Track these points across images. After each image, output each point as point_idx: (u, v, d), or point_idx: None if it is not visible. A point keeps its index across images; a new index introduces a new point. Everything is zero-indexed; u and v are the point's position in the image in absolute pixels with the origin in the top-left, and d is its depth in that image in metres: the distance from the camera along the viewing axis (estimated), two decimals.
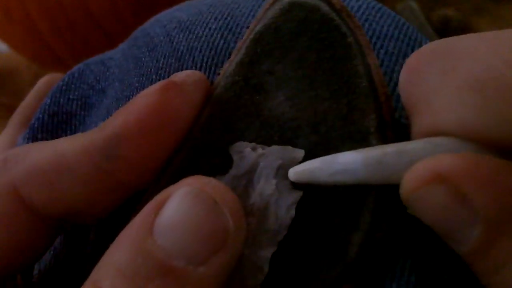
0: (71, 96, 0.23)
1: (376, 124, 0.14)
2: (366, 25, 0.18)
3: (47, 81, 0.29)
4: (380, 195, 0.14)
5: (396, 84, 0.17)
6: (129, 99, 0.19)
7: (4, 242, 0.15)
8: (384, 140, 0.14)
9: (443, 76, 0.12)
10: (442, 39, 0.13)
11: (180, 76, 0.15)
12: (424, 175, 0.11)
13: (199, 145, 0.15)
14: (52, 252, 0.19)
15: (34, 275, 0.19)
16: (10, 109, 0.29)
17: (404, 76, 0.13)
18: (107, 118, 0.16)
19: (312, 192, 0.14)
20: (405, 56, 0.18)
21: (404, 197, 0.12)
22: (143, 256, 0.12)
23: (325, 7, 0.15)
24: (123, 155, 0.14)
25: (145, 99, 0.14)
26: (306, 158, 0.14)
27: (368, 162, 0.13)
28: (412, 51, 0.18)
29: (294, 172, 0.14)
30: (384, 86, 0.15)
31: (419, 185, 0.11)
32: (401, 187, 0.12)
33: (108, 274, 0.12)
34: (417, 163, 0.12)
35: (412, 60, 0.13)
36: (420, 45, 0.18)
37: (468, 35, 0.12)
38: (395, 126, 0.15)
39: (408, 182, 0.12)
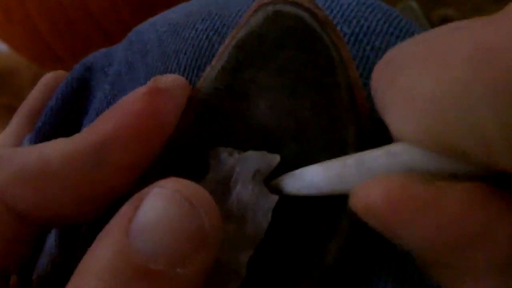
0: (79, 105, 0.23)
1: (354, 136, 0.14)
2: (354, 22, 0.18)
3: (53, 78, 0.29)
4: None
5: None
6: None
7: None
8: (360, 134, 0.15)
9: (388, 87, 0.11)
10: (398, 45, 0.12)
11: (167, 80, 0.15)
12: (358, 205, 0.11)
13: (179, 149, 0.15)
14: (49, 257, 0.19)
15: (33, 280, 0.19)
16: (10, 109, 0.29)
17: (371, 83, 0.13)
18: None
19: (289, 198, 0.14)
20: None
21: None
22: (122, 260, 0.11)
23: (309, 18, 0.15)
24: (111, 161, 0.14)
25: (133, 104, 0.14)
26: (287, 167, 0.14)
27: (329, 175, 0.13)
28: None
29: (269, 186, 0.15)
30: (364, 98, 0.15)
31: (357, 210, 0.12)
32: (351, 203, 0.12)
33: (88, 278, 0.12)
34: (355, 189, 0.12)
35: (375, 66, 0.13)
36: (411, 36, 0.18)
37: (416, 39, 0.12)
38: (375, 135, 0.15)
39: (352, 207, 0.12)
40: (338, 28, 0.18)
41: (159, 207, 0.12)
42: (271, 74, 0.15)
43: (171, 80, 0.15)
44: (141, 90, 0.15)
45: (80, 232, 0.18)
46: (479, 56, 0.09)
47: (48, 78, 0.28)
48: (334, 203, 0.14)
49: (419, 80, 0.10)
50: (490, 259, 0.10)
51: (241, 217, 0.14)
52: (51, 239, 0.19)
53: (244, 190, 0.14)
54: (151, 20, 0.23)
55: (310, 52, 0.15)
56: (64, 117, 0.22)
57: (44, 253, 0.19)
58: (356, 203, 0.12)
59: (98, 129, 0.14)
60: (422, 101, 0.10)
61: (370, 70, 0.16)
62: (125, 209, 0.12)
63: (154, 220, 0.12)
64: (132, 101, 0.14)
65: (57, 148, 0.14)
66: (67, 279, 0.12)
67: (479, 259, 0.10)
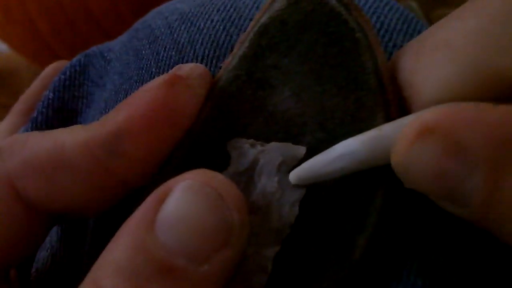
0: (76, 93, 0.22)
1: (383, 121, 0.14)
2: (374, 17, 0.18)
3: (54, 69, 0.29)
4: (387, 194, 0.14)
5: None
6: (128, 93, 0.18)
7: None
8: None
9: (417, 53, 0.12)
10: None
11: (185, 69, 0.15)
12: (411, 133, 0.11)
13: (199, 141, 0.15)
14: (49, 251, 0.19)
15: (31, 273, 0.19)
16: (10, 109, 0.29)
17: (392, 64, 0.13)
18: (105, 111, 0.15)
19: (316, 190, 0.14)
20: None
21: (395, 164, 0.12)
22: (143, 255, 0.11)
23: (333, 1, 0.15)
24: (126, 152, 0.14)
25: (150, 93, 0.14)
26: (311, 155, 0.14)
27: (365, 140, 0.13)
28: None
29: (295, 174, 0.14)
30: (393, 84, 0.14)
31: (408, 145, 0.11)
32: (391, 155, 0.12)
33: (108, 273, 0.11)
34: (409, 119, 0.11)
35: (398, 51, 0.13)
36: None
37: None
38: None
39: (398, 146, 0.11)
40: None
41: (187, 200, 0.12)
42: (295, 59, 0.15)
43: (190, 68, 0.15)
44: (160, 78, 0.14)
45: (84, 227, 0.18)
46: None
47: (46, 73, 0.28)
48: (362, 197, 0.14)
49: (461, 27, 0.11)
50: None
51: (267, 210, 0.14)
52: (52, 233, 0.19)
53: (269, 183, 0.14)
54: (157, 9, 0.22)
55: (335, 36, 0.15)
56: (59, 106, 0.22)
57: (43, 246, 0.19)
58: (408, 133, 0.11)
59: (114, 119, 0.14)
60: (460, 42, 0.11)
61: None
62: (150, 201, 0.12)
63: (182, 214, 0.11)
64: (149, 89, 0.14)
65: (72, 136, 0.14)
66: (67, 273, 0.12)
67: None
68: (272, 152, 0.14)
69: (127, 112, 0.14)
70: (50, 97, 0.22)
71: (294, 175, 0.14)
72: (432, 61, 0.12)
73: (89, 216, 0.15)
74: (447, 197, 0.11)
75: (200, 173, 0.12)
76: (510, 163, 0.10)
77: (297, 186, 0.14)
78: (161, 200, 0.12)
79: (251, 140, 0.15)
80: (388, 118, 0.14)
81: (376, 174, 0.14)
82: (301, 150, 0.14)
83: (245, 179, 0.14)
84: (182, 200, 0.12)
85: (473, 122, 0.10)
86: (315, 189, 0.14)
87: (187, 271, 0.11)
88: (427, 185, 0.11)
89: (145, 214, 0.12)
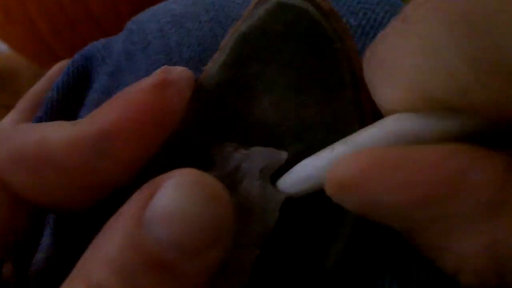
0: (77, 95, 0.22)
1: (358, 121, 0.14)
2: (361, 14, 0.18)
3: (60, 68, 0.28)
4: None
5: None
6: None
7: None
8: None
9: (372, 59, 0.12)
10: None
11: (175, 72, 0.15)
12: (333, 186, 0.12)
13: (183, 144, 0.15)
14: (44, 253, 0.19)
15: (29, 275, 0.19)
16: (10, 109, 0.29)
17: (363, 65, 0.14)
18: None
19: (294, 198, 0.14)
20: None
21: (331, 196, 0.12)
22: (133, 249, 0.11)
23: (313, 10, 0.15)
24: (114, 153, 0.14)
25: (141, 95, 0.14)
26: (290, 165, 0.14)
27: (317, 164, 0.13)
28: None
29: (282, 185, 0.14)
30: (369, 94, 0.15)
31: (332, 193, 0.12)
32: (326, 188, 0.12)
33: (99, 267, 0.11)
34: (328, 170, 0.12)
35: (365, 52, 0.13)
36: None
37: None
38: None
39: (327, 190, 0.12)
40: (344, 20, 0.17)
41: (177, 196, 0.12)
42: (275, 69, 0.15)
43: (179, 72, 0.15)
44: (149, 80, 0.14)
45: (75, 229, 0.18)
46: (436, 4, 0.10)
47: (55, 69, 0.28)
48: (337, 207, 0.14)
49: (394, 46, 0.11)
50: (473, 204, 0.10)
51: (249, 214, 0.14)
52: (46, 235, 0.19)
53: (251, 186, 0.14)
54: (152, 9, 0.22)
55: (314, 47, 0.15)
56: (62, 108, 0.22)
57: (40, 248, 0.19)
58: (330, 182, 0.12)
59: (102, 117, 0.14)
60: (400, 63, 0.11)
61: None
62: (138, 196, 0.12)
63: (171, 209, 0.11)
64: (139, 91, 0.14)
65: (59, 132, 0.14)
66: (62, 275, 0.12)
67: (462, 206, 0.10)
68: (255, 156, 0.14)
69: (116, 112, 0.14)
70: (55, 98, 0.22)
71: (283, 187, 0.14)
72: (375, 79, 0.12)
73: (75, 212, 0.15)
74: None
75: (189, 171, 0.12)
76: (424, 223, 0.11)
77: (277, 190, 0.14)
78: (150, 196, 0.12)
79: (235, 144, 0.15)
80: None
81: None
82: (283, 155, 0.14)
83: (228, 183, 0.14)
84: (174, 196, 0.12)
85: (380, 185, 0.11)
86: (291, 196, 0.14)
87: (179, 265, 0.11)
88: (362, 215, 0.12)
89: (135, 209, 0.12)
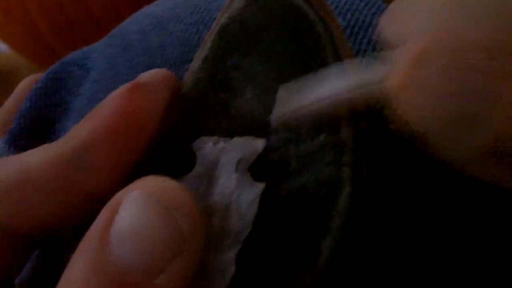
0: (50, 102, 0.22)
1: (348, 115, 0.13)
2: (349, 15, 0.18)
3: (28, 83, 0.29)
4: (355, 195, 0.13)
5: None
6: None
7: None
8: (357, 130, 0.14)
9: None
10: None
11: (146, 75, 0.15)
12: (412, 51, 0.11)
13: (167, 145, 0.15)
14: (32, 262, 0.18)
15: (15, 284, 0.18)
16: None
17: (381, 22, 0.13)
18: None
19: (277, 187, 0.14)
20: None
21: (393, 88, 0.11)
22: (98, 275, 0.11)
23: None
24: (93, 165, 0.14)
25: (110, 104, 0.14)
26: (275, 155, 0.14)
27: (350, 82, 0.12)
28: None
29: (277, 117, 0.13)
30: None
31: (410, 64, 0.11)
32: (389, 79, 0.12)
33: None
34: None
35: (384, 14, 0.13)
36: None
37: None
38: (371, 116, 0.14)
39: (397, 68, 0.11)
40: None
41: (135, 213, 0.11)
42: (256, 59, 0.15)
43: (152, 74, 0.15)
44: (120, 88, 0.14)
45: (60, 237, 0.18)
46: None
47: (21, 87, 0.28)
48: (325, 198, 0.13)
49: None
50: None
51: (225, 211, 0.13)
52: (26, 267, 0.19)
53: (228, 182, 0.14)
54: (134, 14, 0.22)
55: (295, 32, 0.14)
56: (35, 115, 0.22)
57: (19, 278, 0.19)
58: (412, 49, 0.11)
59: (77, 133, 0.14)
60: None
61: None
62: (102, 215, 0.12)
63: (129, 228, 0.11)
64: (110, 100, 0.14)
65: (38, 156, 0.14)
66: (49, 284, 0.12)
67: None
68: (232, 149, 0.14)
69: (90, 125, 0.14)
70: (27, 106, 0.22)
71: (273, 118, 0.14)
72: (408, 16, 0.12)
73: (65, 233, 0.15)
74: (458, 120, 0.11)
75: (147, 182, 0.12)
76: None
77: (255, 181, 0.14)
78: (114, 213, 0.12)
79: (215, 138, 0.14)
80: (352, 110, 0.14)
81: (340, 172, 0.13)
82: (260, 143, 0.14)
83: (207, 180, 0.14)
84: (131, 212, 0.11)
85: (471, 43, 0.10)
86: (277, 188, 0.14)
87: (144, 285, 0.11)
88: (430, 109, 0.11)
89: (99, 230, 0.11)
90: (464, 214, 0.14)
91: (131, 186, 0.12)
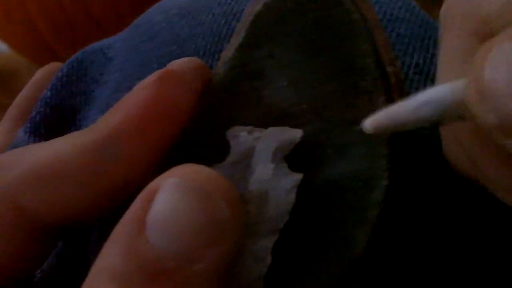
0: (73, 90, 0.22)
1: (385, 107, 0.13)
2: (376, 7, 0.18)
3: (46, 72, 0.28)
4: (390, 186, 0.13)
5: (409, 68, 0.17)
6: (129, 90, 0.19)
7: (1, 252, 0.14)
8: None
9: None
10: None
11: (177, 63, 0.14)
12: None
13: (199, 134, 0.15)
14: (54, 252, 0.19)
15: (35, 275, 0.19)
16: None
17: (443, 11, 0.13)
18: (107, 109, 0.15)
19: (312, 177, 0.14)
20: (418, 37, 0.17)
21: (467, 100, 0.10)
22: (135, 260, 0.11)
23: None
24: (124, 154, 0.13)
25: (142, 92, 0.14)
26: (310, 146, 0.14)
27: (453, 87, 0.11)
28: (425, 32, 0.17)
29: (373, 122, 0.12)
30: (395, 66, 0.14)
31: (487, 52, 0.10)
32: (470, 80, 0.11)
33: (103, 281, 0.11)
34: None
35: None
36: (432, 27, 0.18)
37: None
38: None
39: (476, 62, 0.10)
40: None
41: (174, 200, 0.11)
42: (290, 48, 0.14)
43: (182, 62, 0.15)
44: (152, 76, 0.14)
45: (87, 228, 0.18)
46: None
47: (39, 75, 0.28)
48: (362, 188, 0.13)
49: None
50: None
51: (263, 199, 0.13)
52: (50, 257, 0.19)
53: (265, 170, 0.14)
54: (157, 4, 0.22)
55: (331, 19, 0.14)
56: (57, 104, 0.22)
57: (42, 269, 0.19)
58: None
59: (107, 121, 0.14)
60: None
61: (398, 58, 0.15)
62: (138, 202, 0.12)
63: (170, 214, 0.11)
64: (140, 88, 0.14)
65: (69, 143, 0.14)
66: (71, 274, 0.12)
67: None
68: (268, 138, 0.14)
69: (121, 113, 0.14)
70: (48, 95, 0.22)
71: (371, 123, 0.12)
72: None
73: (94, 223, 0.15)
74: None
75: (185, 169, 0.12)
76: None
77: (293, 171, 0.14)
78: (150, 200, 0.11)
79: (249, 127, 0.14)
80: (391, 102, 0.13)
81: (376, 164, 0.13)
82: (298, 133, 0.14)
83: (242, 168, 0.14)
84: (169, 199, 0.11)
85: None
86: (312, 175, 0.14)
87: (181, 272, 0.11)
88: None
89: (135, 216, 0.11)
90: (475, 221, 0.14)
91: (167, 173, 0.12)
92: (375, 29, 0.14)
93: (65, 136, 0.14)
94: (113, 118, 0.14)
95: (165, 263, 0.11)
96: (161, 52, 0.19)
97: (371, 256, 0.13)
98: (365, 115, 0.13)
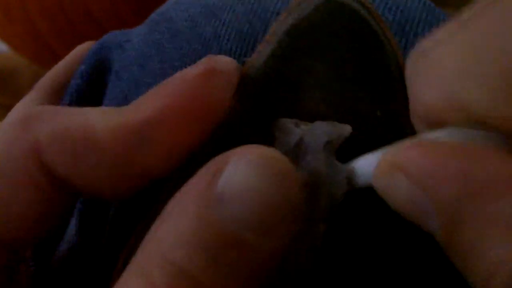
0: (100, 86, 0.22)
1: (412, 128, 0.14)
2: (394, 8, 0.18)
3: (81, 52, 0.28)
4: None
5: None
6: (150, 86, 0.18)
7: (22, 206, 0.14)
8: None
9: (421, 60, 0.12)
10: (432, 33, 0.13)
11: (222, 62, 0.15)
12: (385, 164, 0.11)
13: (232, 134, 0.15)
14: (67, 244, 0.19)
15: (50, 266, 0.19)
16: (10, 109, 0.29)
17: (408, 57, 0.13)
18: (125, 103, 0.15)
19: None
20: None
21: (375, 187, 0.12)
22: (210, 228, 0.11)
23: (362, 10, 0.15)
24: (157, 141, 0.13)
25: (187, 83, 0.14)
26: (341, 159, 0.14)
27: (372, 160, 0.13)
28: None
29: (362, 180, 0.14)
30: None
31: (382, 175, 0.12)
32: (373, 177, 0.12)
33: (173, 246, 0.11)
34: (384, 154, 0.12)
35: (412, 51, 0.13)
36: None
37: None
38: None
39: (376, 171, 0.12)
40: (380, 14, 0.17)
41: (248, 173, 0.11)
42: (326, 64, 0.15)
43: (227, 62, 0.15)
44: (196, 69, 0.14)
45: (102, 220, 0.18)
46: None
47: (76, 52, 0.27)
48: None
49: (447, 54, 0.11)
50: None
51: (315, 188, 0.14)
52: (71, 227, 0.19)
53: (316, 160, 0.14)
54: (174, 1, 0.22)
55: (365, 45, 0.15)
56: (86, 97, 0.22)
57: (63, 241, 0.19)
58: (383, 163, 0.11)
59: (147, 105, 0.14)
60: (447, 69, 0.11)
61: None
62: (204, 173, 0.12)
63: (242, 187, 0.11)
64: (185, 80, 0.14)
65: (104, 117, 0.14)
66: (85, 266, 0.12)
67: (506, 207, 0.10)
68: (318, 130, 0.14)
69: (161, 100, 0.14)
70: (82, 87, 0.22)
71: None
72: (418, 80, 0.12)
73: (110, 200, 0.15)
74: (420, 226, 0.12)
75: (257, 147, 0.12)
76: (467, 217, 0.10)
77: (342, 164, 0.14)
78: (217, 173, 0.11)
79: (295, 120, 0.14)
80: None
81: None
82: (347, 128, 0.14)
83: (291, 158, 0.14)
84: (245, 172, 0.11)
85: (436, 171, 0.11)
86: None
87: (256, 243, 0.11)
88: (400, 211, 0.12)
89: (203, 186, 0.11)
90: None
91: (236, 151, 0.12)
92: (400, 59, 0.15)
93: (100, 109, 0.14)
94: (152, 103, 0.14)
95: (242, 233, 0.11)
96: (184, 51, 0.19)
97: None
98: (397, 135, 0.13)
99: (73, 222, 0.19)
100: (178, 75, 0.14)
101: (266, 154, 0.12)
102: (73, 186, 0.14)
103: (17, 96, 0.29)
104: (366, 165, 0.13)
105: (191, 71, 0.14)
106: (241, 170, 0.11)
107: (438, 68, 0.12)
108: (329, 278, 0.14)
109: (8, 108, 0.28)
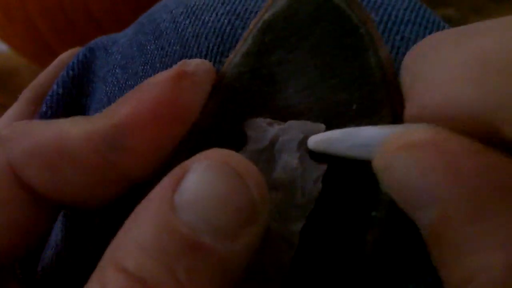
0: (84, 90, 0.22)
1: (391, 118, 0.14)
2: (381, 10, 0.18)
3: (62, 61, 0.28)
4: None
5: None
6: (133, 88, 0.19)
7: (3, 225, 0.14)
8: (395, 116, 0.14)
9: (446, 52, 0.12)
10: (432, 34, 0.13)
11: (191, 65, 0.15)
12: (397, 142, 0.11)
13: (206, 135, 0.15)
14: (53, 250, 0.19)
15: (38, 272, 0.19)
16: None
17: (406, 57, 0.13)
18: (109, 106, 0.15)
19: (336, 170, 0.14)
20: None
21: (375, 165, 0.12)
22: (168, 232, 0.11)
23: None
24: (129, 146, 0.14)
25: (156, 88, 0.14)
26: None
27: (385, 132, 0.13)
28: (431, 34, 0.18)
29: (314, 141, 0.14)
30: (396, 79, 0.15)
31: (387, 152, 0.11)
32: (376, 155, 0.12)
33: (131, 252, 0.11)
34: (396, 131, 0.12)
35: (421, 41, 0.13)
36: (439, 28, 0.18)
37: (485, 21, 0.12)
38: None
39: (382, 149, 0.12)
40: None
41: (207, 179, 0.12)
42: (300, 56, 0.15)
43: (197, 64, 0.15)
44: (167, 73, 0.14)
45: (86, 226, 0.18)
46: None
47: (57, 61, 0.28)
48: (369, 191, 0.14)
49: (452, 54, 0.11)
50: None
51: (290, 186, 0.14)
52: (57, 231, 0.19)
53: (291, 159, 0.14)
54: (162, 3, 0.22)
55: (340, 33, 0.15)
56: (67, 102, 0.22)
57: (49, 245, 0.19)
58: (391, 143, 0.11)
59: (117, 111, 0.14)
60: (450, 72, 0.11)
61: (400, 60, 0.16)
62: (167, 180, 0.12)
63: (203, 192, 0.11)
64: (155, 84, 0.14)
65: (76, 127, 0.14)
66: (72, 272, 0.12)
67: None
68: (292, 129, 0.14)
69: (131, 106, 0.14)
70: (60, 92, 0.22)
71: (312, 141, 0.14)
72: (421, 80, 0.12)
73: (92, 209, 0.15)
74: (409, 213, 0.11)
75: (217, 152, 0.12)
76: (463, 216, 0.10)
77: (318, 162, 0.14)
78: (179, 179, 0.12)
79: (268, 120, 0.15)
80: (395, 114, 0.14)
81: None
82: (321, 127, 0.14)
83: (265, 157, 0.14)
84: (203, 179, 0.12)
85: (446, 162, 0.10)
86: (335, 166, 0.14)
87: (215, 247, 0.11)
88: (396, 196, 0.12)
89: (165, 192, 0.12)
90: None
91: (197, 156, 0.12)
92: (379, 44, 0.15)
93: (72, 119, 0.14)
94: (121, 109, 0.14)
95: (200, 237, 0.11)
96: (164, 52, 0.19)
97: (379, 256, 0.14)
98: (371, 123, 0.14)
99: (57, 226, 0.19)
100: (149, 80, 0.14)
101: (224, 157, 0.12)
102: (53, 199, 0.14)
103: (17, 96, 0.29)
104: (368, 138, 0.13)
105: (162, 76, 0.14)
106: (198, 175, 0.12)
107: (440, 70, 0.12)
108: (307, 274, 0.14)
109: (8, 108, 0.28)
